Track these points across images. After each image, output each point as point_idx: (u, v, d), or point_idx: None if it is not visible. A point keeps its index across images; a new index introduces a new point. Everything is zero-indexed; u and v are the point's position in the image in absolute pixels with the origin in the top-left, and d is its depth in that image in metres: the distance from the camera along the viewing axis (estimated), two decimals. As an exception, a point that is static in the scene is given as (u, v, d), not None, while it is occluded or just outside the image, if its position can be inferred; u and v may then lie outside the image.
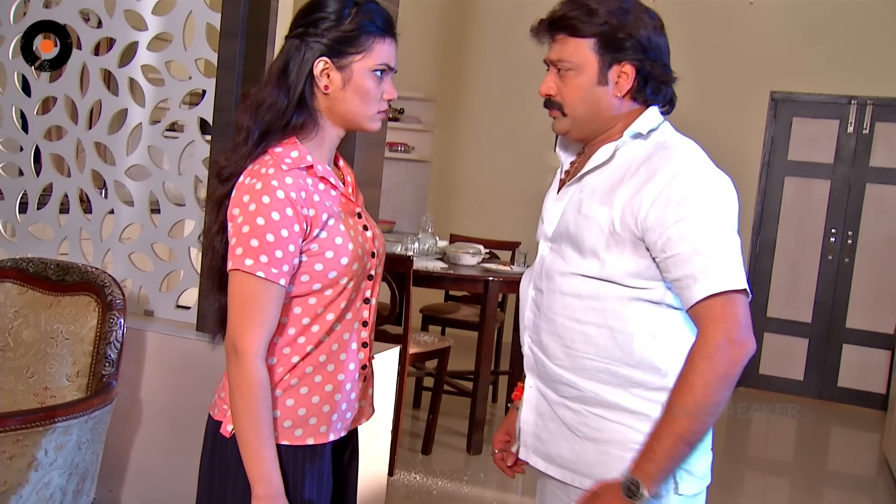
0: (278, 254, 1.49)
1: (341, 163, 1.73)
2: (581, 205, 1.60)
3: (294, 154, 1.56)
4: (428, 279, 4.32)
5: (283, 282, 1.51)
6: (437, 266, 4.44)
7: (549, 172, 6.75)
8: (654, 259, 1.51)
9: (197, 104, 2.94)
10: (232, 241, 1.52)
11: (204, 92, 2.92)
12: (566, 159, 1.76)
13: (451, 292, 5.47)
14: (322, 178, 1.60)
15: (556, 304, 1.62)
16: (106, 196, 3.08)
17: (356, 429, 1.77)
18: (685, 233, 1.46)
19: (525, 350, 1.72)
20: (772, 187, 6.29)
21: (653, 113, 1.61)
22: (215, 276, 1.63)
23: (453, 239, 5.52)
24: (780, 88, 6.20)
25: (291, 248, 1.51)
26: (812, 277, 6.23)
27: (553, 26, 1.61)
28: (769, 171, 6.30)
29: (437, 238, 4.95)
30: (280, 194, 1.50)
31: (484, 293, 4.32)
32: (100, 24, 3.05)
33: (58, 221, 3.15)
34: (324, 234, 1.55)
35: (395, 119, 6.98)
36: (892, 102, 5.96)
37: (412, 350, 3.98)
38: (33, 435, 2.16)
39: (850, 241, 6.13)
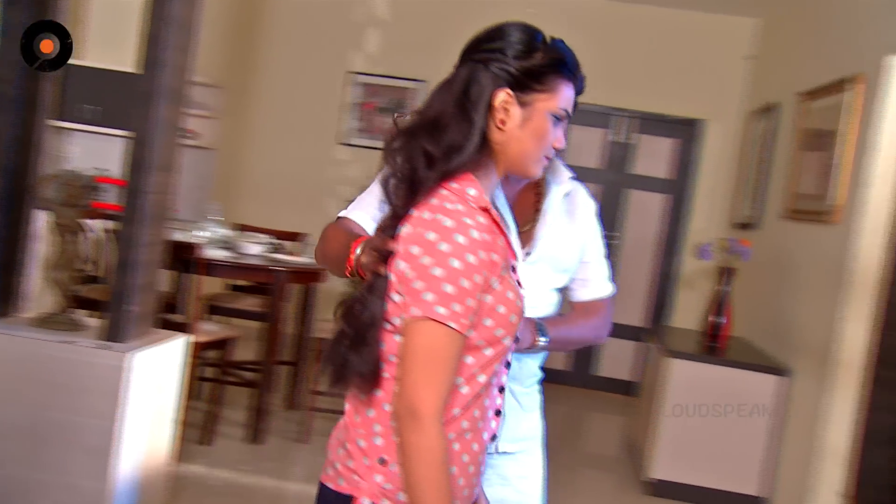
0: (469, 302, 1.31)
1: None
2: None
3: (472, 192, 1.38)
4: (213, 267, 4.26)
5: (469, 333, 1.34)
6: (222, 255, 4.39)
7: (334, 165, 6.83)
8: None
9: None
10: (416, 283, 1.31)
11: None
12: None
13: (236, 282, 5.40)
14: (495, 222, 1.41)
15: None
16: None
17: None
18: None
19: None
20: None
21: None
22: (363, 330, 1.37)
23: (239, 228, 5.46)
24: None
25: (478, 296, 1.33)
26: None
27: None
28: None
29: (223, 227, 4.88)
30: (475, 234, 1.32)
31: (274, 283, 4.34)
32: None
33: None
34: (499, 287, 1.36)
35: (179, 102, 6.73)
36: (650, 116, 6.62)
37: (198, 339, 3.92)
38: None
39: (616, 242, 6.73)
